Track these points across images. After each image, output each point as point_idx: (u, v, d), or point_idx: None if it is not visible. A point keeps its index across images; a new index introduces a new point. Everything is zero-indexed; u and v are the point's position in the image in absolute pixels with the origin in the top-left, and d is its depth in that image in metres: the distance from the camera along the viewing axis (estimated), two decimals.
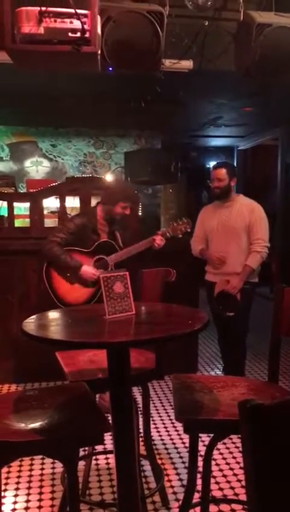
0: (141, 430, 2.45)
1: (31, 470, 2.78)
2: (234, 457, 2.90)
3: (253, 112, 6.90)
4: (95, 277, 3.31)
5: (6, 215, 4.26)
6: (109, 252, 3.39)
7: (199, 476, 1.93)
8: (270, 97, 5.89)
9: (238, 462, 2.84)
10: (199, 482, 1.96)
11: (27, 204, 4.33)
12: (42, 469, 2.80)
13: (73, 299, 3.35)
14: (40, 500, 2.50)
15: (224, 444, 3.01)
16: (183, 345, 3.77)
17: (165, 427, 3.31)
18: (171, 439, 3.15)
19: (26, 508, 2.43)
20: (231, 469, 2.77)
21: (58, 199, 4.33)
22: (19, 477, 2.72)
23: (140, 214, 4.71)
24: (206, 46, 3.46)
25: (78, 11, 2.36)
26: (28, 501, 2.49)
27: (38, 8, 2.35)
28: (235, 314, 3.62)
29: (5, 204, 4.27)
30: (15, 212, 4.31)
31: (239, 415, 0.97)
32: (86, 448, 2.62)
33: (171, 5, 3.00)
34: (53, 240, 3.36)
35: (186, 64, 3.44)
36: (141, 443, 2.43)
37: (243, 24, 3.08)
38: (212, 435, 1.82)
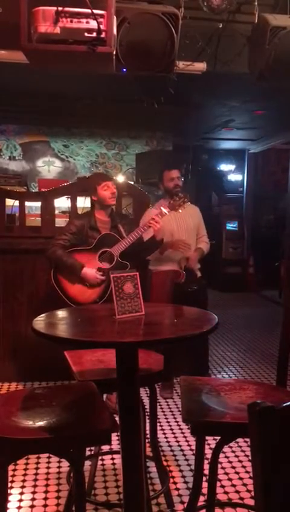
0: (148, 432, 2.44)
1: (37, 469, 2.79)
2: (240, 461, 2.88)
3: (265, 116, 6.88)
4: (97, 279, 3.35)
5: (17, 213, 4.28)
6: (111, 244, 3.41)
7: (204, 479, 1.92)
8: (282, 101, 5.87)
9: (244, 466, 2.83)
10: (204, 485, 1.96)
11: (38, 204, 4.35)
12: (48, 467, 2.80)
13: (84, 298, 3.38)
14: (45, 498, 2.50)
15: (230, 447, 3.00)
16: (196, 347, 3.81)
17: (172, 430, 3.31)
18: (177, 441, 3.14)
19: (32, 506, 2.43)
20: (237, 473, 2.76)
21: (69, 199, 4.35)
22: (24, 475, 2.72)
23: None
24: (220, 48, 3.45)
25: (95, 11, 2.37)
26: (33, 499, 2.49)
27: (55, 8, 2.36)
28: (197, 289, 3.88)
29: (16, 203, 4.28)
30: (26, 211, 4.33)
31: (248, 417, 0.96)
32: (92, 448, 2.63)
33: (186, 7, 3.00)
34: (56, 243, 3.42)
35: (200, 66, 3.43)
36: (147, 445, 2.43)
37: (257, 27, 3.07)
38: (218, 438, 1.81)
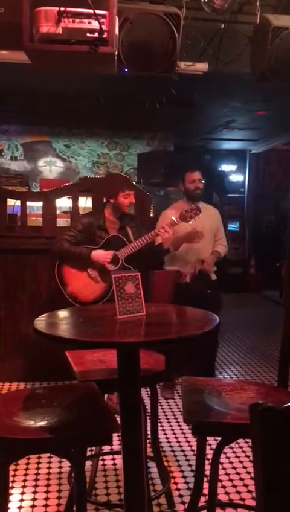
0: (148, 432, 2.44)
1: (38, 469, 2.79)
2: (241, 462, 2.88)
3: (266, 116, 6.87)
4: (109, 257, 3.34)
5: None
6: (119, 246, 3.41)
7: (205, 479, 1.92)
8: (284, 101, 5.86)
9: (245, 467, 2.82)
10: (205, 485, 1.96)
11: (40, 204, 4.35)
12: (49, 467, 2.80)
13: (85, 296, 3.38)
14: (46, 498, 2.51)
15: (231, 448, 3.00)
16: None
17: (173, 430, 3.30)
18: (178, 441, 3.14)
19: (33, 506, 2.43)
20: (238, 473, 2.76)
21: (70, 199, 4.35)
22: (25, 475, 2.73)
23: (152, 215, 4.70)
24: (222, 49, 3.44)
25: (97, 11, 2.37)
26: (34, 499, 2.50)
27: (57, 8, 2.36)
28: (211, 292, 3.85)
29: (18, 203, 4.29)
30: (28, 211, 4.33)
31: (250, 417, 0.96)
32: (93, 448, 2.63)
33: (188, 7, 2.99)
34: (63, 238, 3.43)
35: (202, 66, 3.43)
36: (148, 445, 2.43)
37: (259, 27, 3.06)
38: (219, 438, 1.81)
